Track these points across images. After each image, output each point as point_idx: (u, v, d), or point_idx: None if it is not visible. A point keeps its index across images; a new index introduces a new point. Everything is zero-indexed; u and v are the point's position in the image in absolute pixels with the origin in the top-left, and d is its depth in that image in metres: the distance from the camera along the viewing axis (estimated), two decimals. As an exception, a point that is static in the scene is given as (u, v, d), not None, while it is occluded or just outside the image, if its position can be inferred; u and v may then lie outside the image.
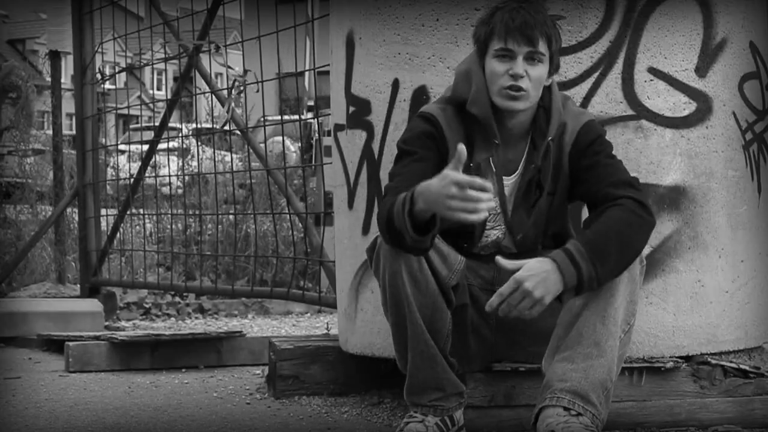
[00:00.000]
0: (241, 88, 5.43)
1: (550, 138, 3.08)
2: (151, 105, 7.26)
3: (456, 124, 3.11)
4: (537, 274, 2.82)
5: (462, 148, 2.74)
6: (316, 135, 6.25)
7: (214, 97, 5.73)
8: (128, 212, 6.54)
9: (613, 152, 3.12)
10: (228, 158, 7.63)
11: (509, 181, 3.14)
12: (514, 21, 3.00)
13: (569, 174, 3.11)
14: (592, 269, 2.84)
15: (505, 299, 2.83)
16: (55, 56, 7.12)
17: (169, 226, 7.15)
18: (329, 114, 4.02)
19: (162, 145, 6.89)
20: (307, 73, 8.17)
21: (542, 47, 3.02)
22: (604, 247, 2.86)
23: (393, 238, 2.91)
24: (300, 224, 5.42)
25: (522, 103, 3.03)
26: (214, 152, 7.66)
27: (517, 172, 3.13)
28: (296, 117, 5.74)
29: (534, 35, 3.00)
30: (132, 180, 6.46)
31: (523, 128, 3.11)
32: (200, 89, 6.32)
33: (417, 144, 3.09)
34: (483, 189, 2.69)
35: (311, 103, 8.55)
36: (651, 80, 3.39)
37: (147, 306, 6.79)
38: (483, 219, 2.76)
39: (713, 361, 3.39)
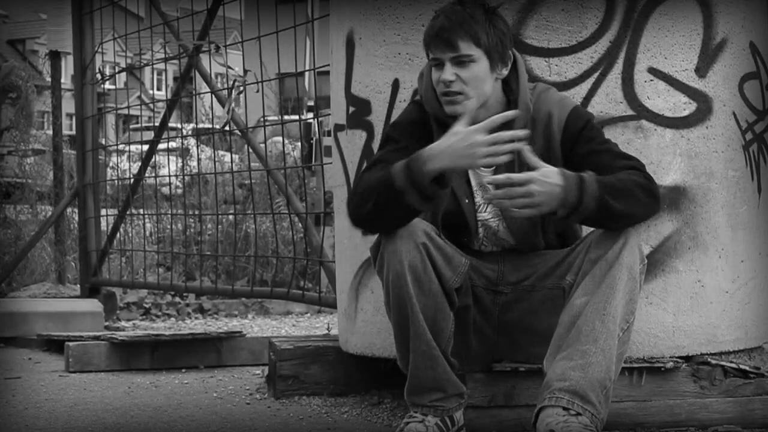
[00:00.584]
0: (242, 88, 5.43)
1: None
2: (151, 105, 7.26)
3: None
4: (548, 183, 2.87)
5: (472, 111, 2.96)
6: (316, 135, 6.25)
7: (213, 97, 5.73)
8: (128, 212, 6.54)
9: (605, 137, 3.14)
10: (228, 158, 7.62)
11: (491, 173, 3.14)
12: (433, 29, 3.05)
13: (563, 163, 3.10)
14: (594, 204, 2.89)
15: (507, 185, 2.88)
16: (55, 56, 7.12)
17: (169, 226, 7.15)
18: (329, 114, 4.02)
19: (162, 145, 6.89)
20: (307, 73, 8.17)
21: (466, 48, 3.03)
22: (615, 187, 2.92)
23: (381, 205, 2.94)
24: (300, 224, 5.42)
25: (461, 106, 3.05)
26: (214, 152, 7.66)
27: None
28: (296, 117, 5.74)
29: (452, 39, 3.02)
30: (132, 180, 6.46)
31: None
32: (200, 89, 6.32)
33: (403, 132, 3.15)
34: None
35: (311, 103, 8.54)
36: (651, 80, 3.39)
37: (147, 306, 6.79)
38: (503, 159, 2.91)
39: (713, 362, 3.39)
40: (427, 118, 3.15)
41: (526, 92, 3.11)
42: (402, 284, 2.98)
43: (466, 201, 3.14)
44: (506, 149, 2.88)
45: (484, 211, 3.17)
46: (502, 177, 2.92)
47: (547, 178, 2.89)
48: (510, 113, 2.96)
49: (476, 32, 3.02)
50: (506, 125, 3.02)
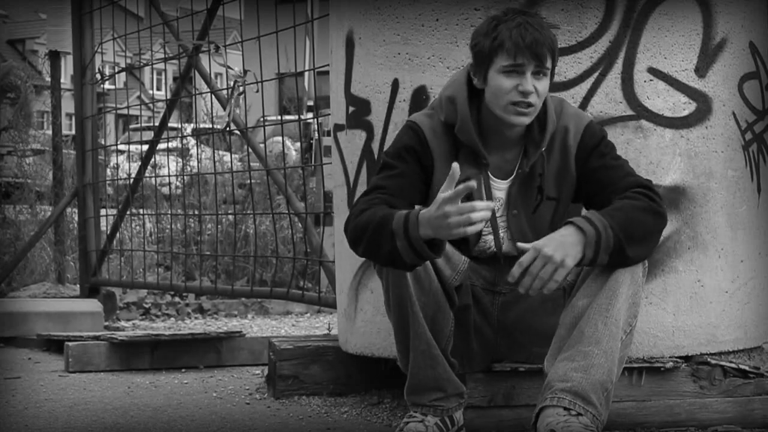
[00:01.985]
0: (242, 89, 5.43)
1: (542, 149, 3.09)
2: (150, 105, 7.26)
3: (443, 133, 3.12)
4: (554, 239, 2.88)
5: (456, 167, 2.79)
6: (316, 135, 6.25)
7: (213, 96, 5.72)
8: (128, 212, 6.54)
9: (617, 153, 3.14)
10: (227, 158, 7.62)
11: (505, 185, 3.14)
12: (525, 39, 2.99)
13: (576, 177, 3.11)
14: (608, 224, 2.88)
15: (526, 268, 2.86)
16: (54, 56, 7.12)
17: (168, 226, 7.15)
18: (329, 114, 4.02)
19: (162, 145, 6.89)
20: (307, 73, 8.17)
21: (548, 63, 3.04)
22: (620, 214, 2.92)
23: (377, 248, 2.90)
24: (300, 224, 5.43)
25: (529, 118, 3.05)
26: (213, 152, 7.66)
27: (512, 176, 3.13)
28: (296, 117, 5.75)
29: (544, 53, 3.00)
30: (132, 180, 6.46)
31: (519, 134, 3.12)
32: (200, 89, 6.32)
33: (398, 159, 3.10)
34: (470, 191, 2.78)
35: (311, 103, 8.55)
36: (651, 80, 3.39)
37: (147, 306, 6.79)
38: (479, 229, 2.80)
39: (713, 362, 3.39)
40: (423, 142, 3.11)
41: (552, 111, 3.11)
42: (402, 283, 2.98)
43: None
44: (479, 217, 2.77)
45: (488, 226, 3.15)
46: (515, 270, 2.87)
47: (550, 237, 2.89)
48: (471, 185, 2.80)
49: (554, 48, 3.04)
50: (524, 151, 3.09)
